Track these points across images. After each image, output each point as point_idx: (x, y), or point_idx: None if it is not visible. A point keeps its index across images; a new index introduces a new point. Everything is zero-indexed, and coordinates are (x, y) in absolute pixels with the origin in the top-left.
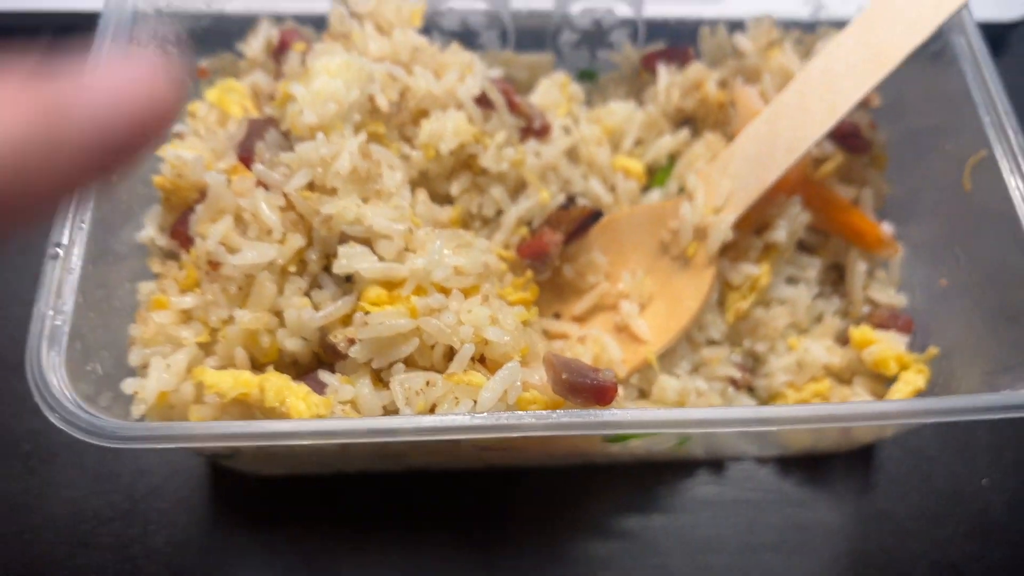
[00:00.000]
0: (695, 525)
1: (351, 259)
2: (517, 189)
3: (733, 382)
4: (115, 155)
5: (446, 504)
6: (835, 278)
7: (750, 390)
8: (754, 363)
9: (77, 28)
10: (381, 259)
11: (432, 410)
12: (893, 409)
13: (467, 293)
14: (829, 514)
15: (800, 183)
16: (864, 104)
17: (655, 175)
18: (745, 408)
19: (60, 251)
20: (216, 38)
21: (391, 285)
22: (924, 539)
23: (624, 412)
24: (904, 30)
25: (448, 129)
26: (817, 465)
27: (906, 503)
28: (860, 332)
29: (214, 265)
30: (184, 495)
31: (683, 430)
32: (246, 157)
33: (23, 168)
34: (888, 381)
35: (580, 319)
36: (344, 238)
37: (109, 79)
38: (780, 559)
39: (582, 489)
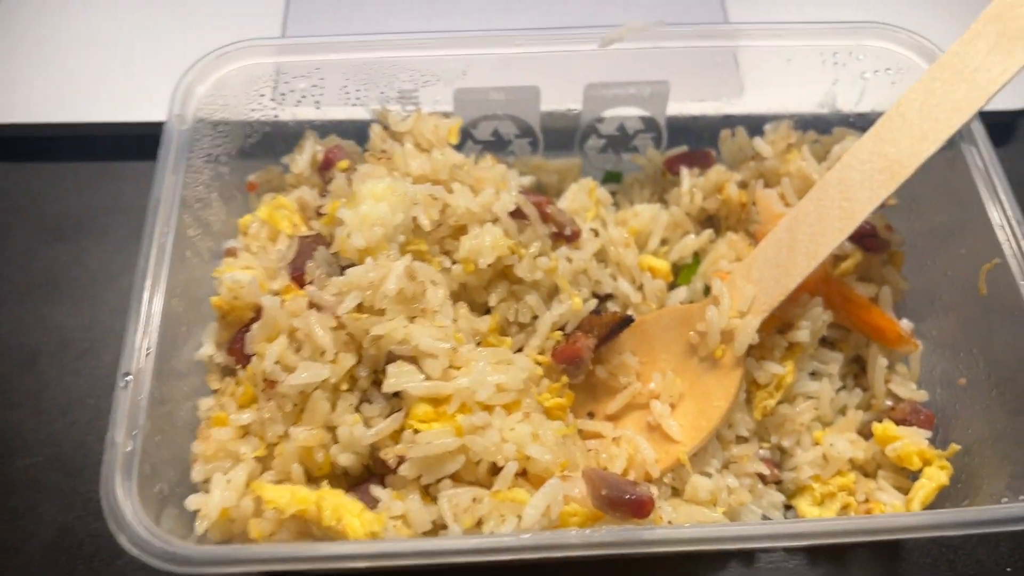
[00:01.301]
0: None
1: (399, 378)
2: (551, 294)
3: (761, 478)
4: None
5: None
6: (857, 371)
7: (777, 484)
8: (781, 457)
9: (131, 137)
10: (428, 377)
11: (479, 525)
12: (923, 523)
13: (508, 408)
14: None
15: (821, 282)
16: (881, 204)
17: (680, 273)
18: (779, 523)
19: (130, 380)
20: (263, 152)
21: (437, 402)
22: None
23: (663, 531)
24: (916, 141)
25: (486, 244)
26: (845, 555)
27: None
28: (883, 428)
29: (270, 384)
30: None
31: (723, 547)
32: (298, 276)
33: None
34: (912, 474)
35: (613, 418)
36: (392, 356)
37: None
38: None
39: None
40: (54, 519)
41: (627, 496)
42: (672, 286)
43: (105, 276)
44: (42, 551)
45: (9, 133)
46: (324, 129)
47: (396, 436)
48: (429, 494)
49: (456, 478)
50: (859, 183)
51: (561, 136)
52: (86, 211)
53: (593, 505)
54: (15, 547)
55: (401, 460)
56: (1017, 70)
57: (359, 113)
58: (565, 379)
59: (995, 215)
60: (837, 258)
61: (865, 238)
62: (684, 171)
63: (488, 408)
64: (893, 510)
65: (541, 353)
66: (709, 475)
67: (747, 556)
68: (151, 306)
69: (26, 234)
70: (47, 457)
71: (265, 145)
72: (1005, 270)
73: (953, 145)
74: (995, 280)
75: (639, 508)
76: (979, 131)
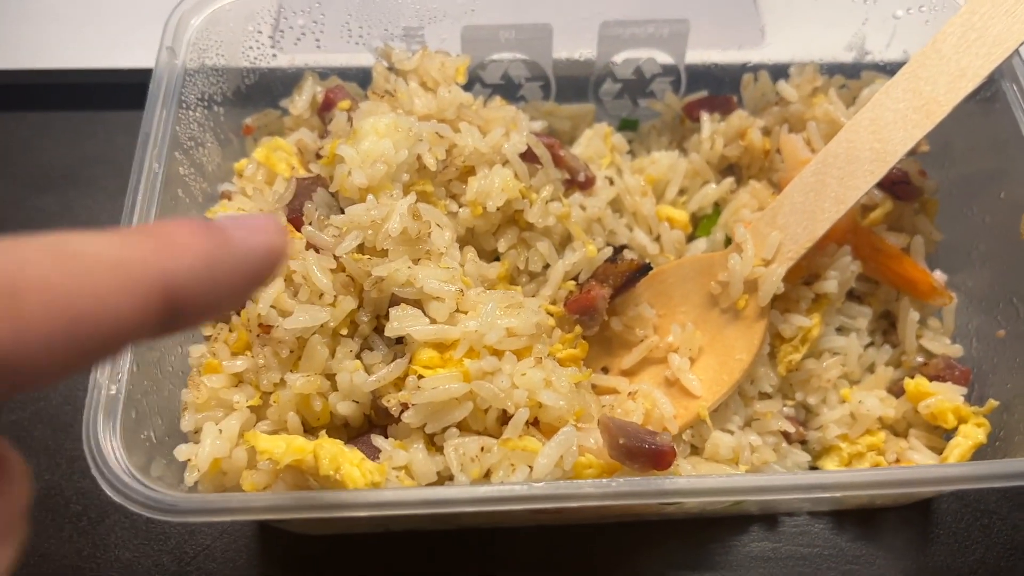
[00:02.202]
0: None
1: (402, 321)
2: (563, 243)
3: (786, 436)
4: (250, 284)
5: (496, 562)
6: (886, 327)
7: (803, 443)
8: (806, 415)
9: (125, 85)
10: (433, 321)
11: (487, 476)
12: (952, 474)
13: (519, 354)
14: (886, 570)
15: (849, 231)
16: (913, 150)
17: (700, 224)
18: (803, 474)
19: None
20: (261, 95)
21: (443, 347)
22: None
23: (684, 480)
24: (953, 78)
25: (495, 186)
26: (873, 519)
27: (967, 558)
28: (916, 384)
29: (265, 328)
30: (232, 555)
31: (742, 497)
32: (295, 218)
33: (203, 279)
34: (946, 433)
35: (629, 373)
36: (395, 300)
37: (254, 230)
38: None
39: (634, 546)
40: (40, 476)
41: (647, 445)
42: (691, 237)
43: (94, 227)
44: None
45: None
46: (325, 74)
47: (399, 383)
48: (434, 444)
49: (463, 427)
50: (892, 123)
51: (575, 84)
52: (76, 161)
53: (610, 456)
54: None
55: (404, 408)
56: None
57: (362, 58)
58: (579, 330)
59: None
60: (866, 207)
61: (896, 185)
62: (704, 116)
63: (498, 353)
64: None
65: (553, 303)
66: (731, 432)
67: (770, 520)
68: None
69: (14, 184)
70: (33, 413)
71: (263, 88)
72: None
73: (992, 84)
74: None
75: (660, 458)
76: (1021, 70)
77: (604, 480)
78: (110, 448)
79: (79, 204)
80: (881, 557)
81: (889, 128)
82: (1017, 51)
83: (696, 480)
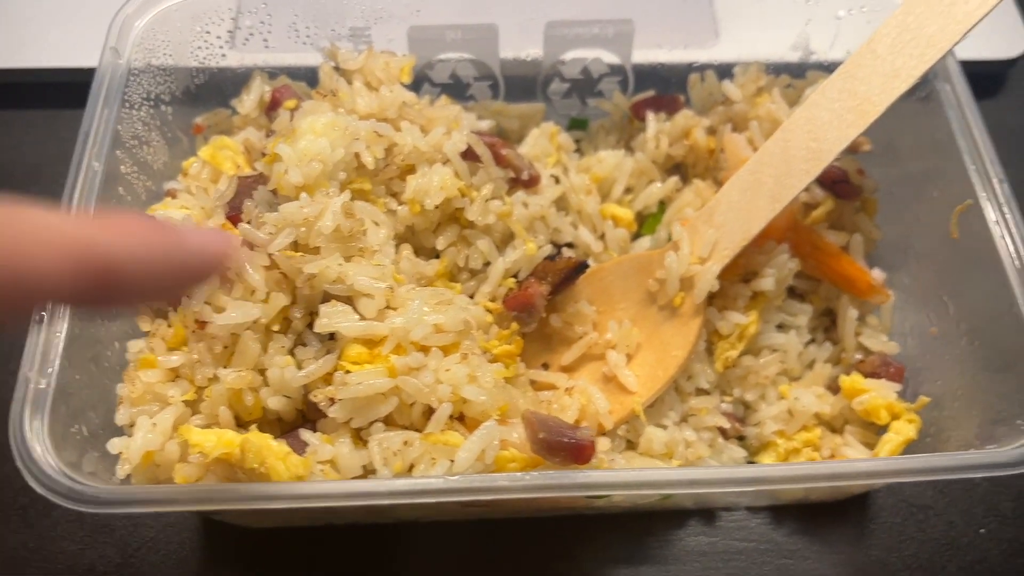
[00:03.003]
0: None
1: (332, 318)
2: (505, 241)
3: (722, 432)
4: (191, 278)
5: (435, 555)
6: (827, 324)
7: (740, 439)
8: (744, 412)
9: (73, 85)
10: (362, 318)
11: (410, 470)
12: (874, 468)
13: (447, 351)
14: (822, 564)
15: (789, 229)
16: (853, 150)
17: (645, 222)
18: (723, 469)
19: (44, 315)
20: (211, 95)
21: (372, 343)
22: None
23: (600, 473)
24: (887, 78)
25: (434, 184)
26: (810, 515)
27: (901, 553)
28: (851, 381)
29: (200, 324)
30: (176, 548)
31: (658, 491)
32: (234, 216)
33: (147, 266)
34: (880, 430)
35: (568, 369)
36: (327, 296)
37: (204, 236)
38: None
39: (572, 540)
40: None
41: (566, 440)
42: (636, 236)
43: None
44: None
45: None
46: (275, 74)
47: (329, 379)
48: (361, 439)
49: (389, 422)
50: (827, 123)
51: (523, 83)
52: (39, 159)
53: (532, 450)
54: None
55: (331, 402)
56: (995, 4)
57: (311, 57)
58: (515, 326)
59: (968, 159)
60: (808, 206)
61: (836, 184)
62: (650, 116)
63: (424, 349)
64: None
65: (493, 300)
66: (664, 427)
67: (708, 515)
68: None
69: None
70: None
71: (213, 88)
72: (978, 214)
73: (928, 84)
74: (967, 226)
75: (579, 453)
76: (955, 71)
77: (519, 474)
78: (37, 443)
79: (42, 202)
80: (817, 551)
81: (824, 127)
82: (952, 51)
83: (611, 474)
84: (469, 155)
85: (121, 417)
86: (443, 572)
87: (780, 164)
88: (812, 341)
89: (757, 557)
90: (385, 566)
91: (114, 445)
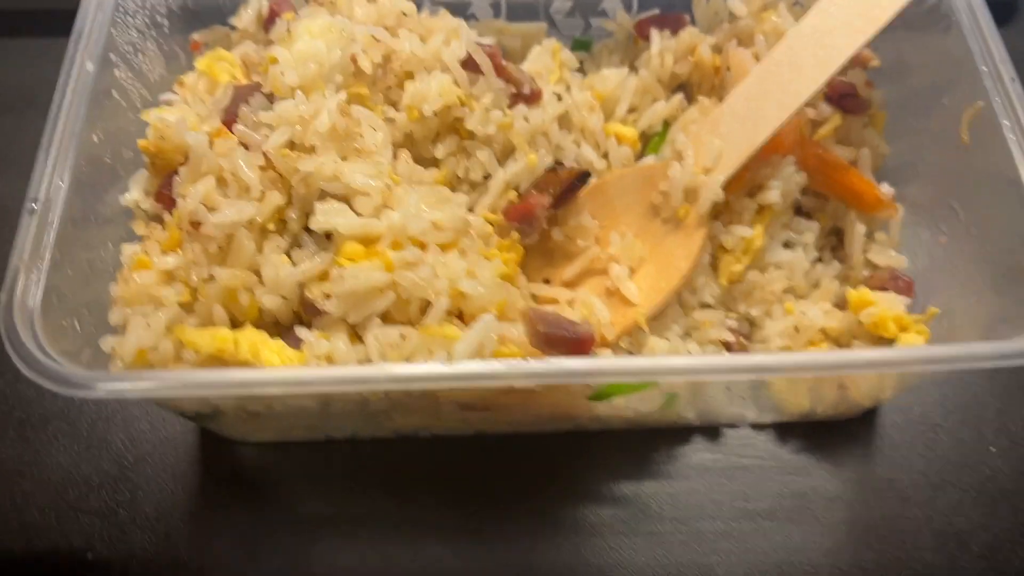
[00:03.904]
0: (690, 492)
1: (328, 215)
2: (505, 154)
3: (727, 346)
4: None
5: (435, 470)
6: (835, 243)
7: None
8: (749, 328)
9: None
10: (359, 215)
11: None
12: (875, 358)
13: (445, 248)
14: (828, 481)
15: (796, 144)
16: (862, 64)
17: (649, 141)
18: (725, 356)
19: (36, 207)
20: (210, 14)
21: (368, 241)
22: (928, 507)
23: (597, 361)
24: None
25: (432, 90)
26: (816, 432)
27: (909, 471)
28: (858, 294)
29: (195, 225)
30: (172, 462)
31: (658, 377)
32: (230, 121)
33: None
34: (888, 344)
35: (570, 284)
36: (323, 196)
37: None
38: (777, 526)
39: (574, 455)
40: None
41: (566, 332)
42: (640, 155)
43: None
44: None
45: None
46: None
47: (325, 276)
48: (357, 335)
49: (386, 318)
50: (835, 29)
51: (526, 5)
52: (34, 84)
53: (531, 344)
54: None
55: (327, 298)
56: None
57: None
58: (515, 235)
59: (980, 61)
60: (815, 123)
61: (844, 98)
62: (655, 34)
63: (421, 245)
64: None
65: (493, 212)
66: (668, 339)
67: (712, 432)
68: (65, 134)
69: None
70: None
71: (211, 7)
72: (989, 117)
73: None
74: (978, 132)
75: (579, 346)
76: None
77: (516, 360)
78: (24, 326)
79: (36, 125)
80: (823, 469)
81: (832, 35)
82: None
83: (610, 361)
84: (469, 65)
85: (114, 317)
86: (442, 486)
87: (787, 72)
88: (819, 260)
89: (762, 474)
90: (383, 480)
91: (107, 343)
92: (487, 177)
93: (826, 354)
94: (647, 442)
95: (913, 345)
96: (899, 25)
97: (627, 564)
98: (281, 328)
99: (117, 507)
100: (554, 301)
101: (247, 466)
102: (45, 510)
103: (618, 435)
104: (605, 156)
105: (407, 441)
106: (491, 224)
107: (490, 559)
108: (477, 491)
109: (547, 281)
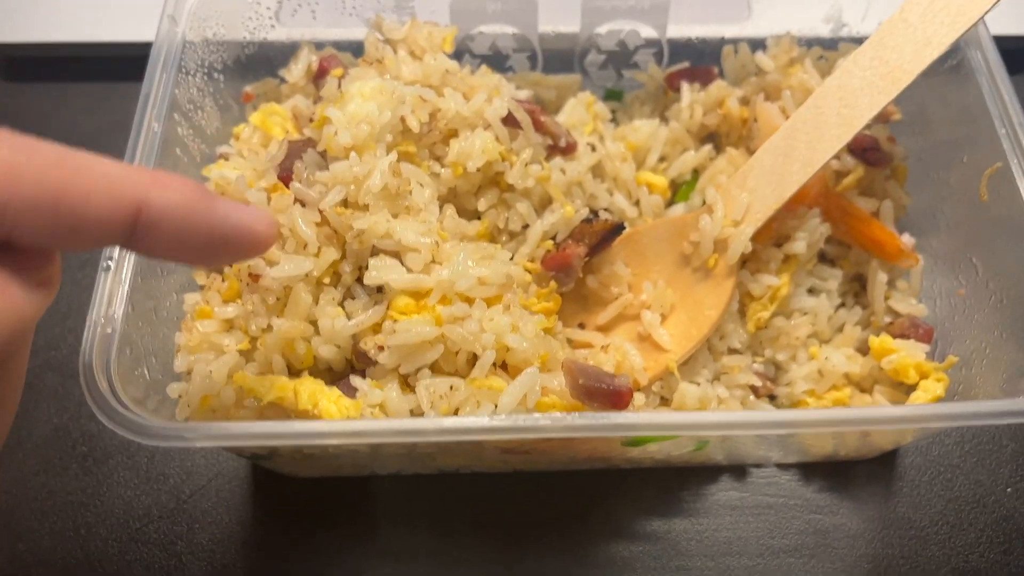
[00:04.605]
0: (717, 529)
1: (381, 271)
2: (543, 204)
3: (754, 390)
4: (227, 249)
5: (474, 506)
6: (857, 289)
7: (771, 398)
8: (775, 372)
9: (141, 58)
10: (409, 271)
11: (455, 413)
12: (897, 414)
13: (490, 303)
14: (850, 520)
15: (821, 196)
16: (884, 118)
17: (679, 190)
18: (755, 412)
19: (111, 264)
20: (260, 65)
21: (418, 295)
22: (946, 545)
23: (636, 415)
24: (919, 47)
25: (476, 147)
26: (839, 472)
27: (928, 510)
28: (880, 341)
29: (254, 277)
30: (227, 495)
31: (694, 432)
32: (285, 176)
33: (174, 216)
34: (908, 390)
35: (604, 329)
36: (375, 251)
37: (240, 208)
38: (801, 563)
39: (607, 492)
40: (49, 420)
41: (605, 386)
42: (670, 203)
43: None
44: (37, 450)
45: (18, 53)
46: (321, 45)
47: (377, 328)
48: (409, 385)
49: (436, 369)
50: (859, 89)
51: (561, 56)
52: (93, 130)
53: (571, 396)
54: (13, 446)
55: (380, 350)
56: None
57: (356, 31)
58: (553, 285)
59: (999, 124)
60: (839, 174)
61: (867, 151)
62: (684, 86)
63: (469, 300)
64: None
65: (531, 261)
66: (697, 384)
67: (739, 471)
68: None
69: None
70: (44, 361)
71: (262, 58)
72: (1008, 177)
73: (959, 52)
74: (996, 188)
75: (617, 399)
76: (985, 39)
77: (560, 414)
78: (103, 379)
79: None
80: (845, 507)
81: (856, 94)
82: (983, 20)
83: (647, 416)
84: (509, 121)
85: (180, 364)
86: (480, 521)
87: (812, 130)
88: (842, 305)
89: (787, 512)
90: (424, 514)
91: (173, 389)
92: (526, 227)
93: (850, 411)
94: (677, 480)
95: (933, 401)
96: (921, 80)
97: None
98: (334, 374)
99: (176, 539)
100: (588, 345)
101: (297, 499)
102: (108, 541)
103: (649, 473)
104: (636, 204)
105: (448, 477)
106: (529, 273)
107: None
108: (512, 526)
109: (582, 325)
